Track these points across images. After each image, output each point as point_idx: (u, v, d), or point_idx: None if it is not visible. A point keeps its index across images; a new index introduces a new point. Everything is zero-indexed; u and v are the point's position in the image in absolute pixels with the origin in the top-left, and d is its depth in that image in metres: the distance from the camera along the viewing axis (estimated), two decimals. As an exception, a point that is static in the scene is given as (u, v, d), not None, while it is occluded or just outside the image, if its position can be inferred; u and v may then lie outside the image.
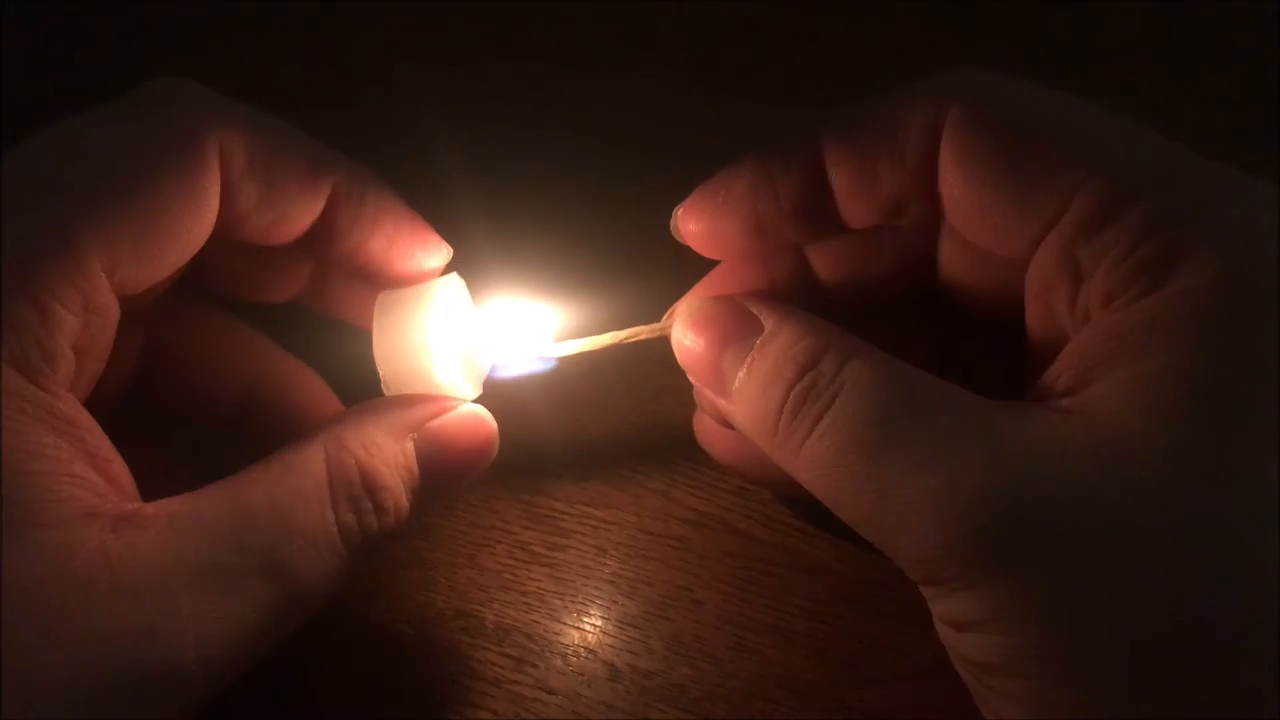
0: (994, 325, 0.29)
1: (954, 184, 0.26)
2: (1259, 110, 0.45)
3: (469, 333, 0.31)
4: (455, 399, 0.30)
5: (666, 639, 0.33)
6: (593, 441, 0.37)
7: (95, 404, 0.27)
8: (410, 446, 0.28)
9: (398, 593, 0.34)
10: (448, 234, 0.32)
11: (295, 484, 0.26)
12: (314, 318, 0.35)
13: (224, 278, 0.32)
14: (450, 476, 0.29)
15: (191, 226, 0.27)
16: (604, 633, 0.33)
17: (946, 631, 0.25)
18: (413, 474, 0.28)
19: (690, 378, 0.29)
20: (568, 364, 0.32)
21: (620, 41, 0.51)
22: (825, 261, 0.30)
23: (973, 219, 0.26)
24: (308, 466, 0.26)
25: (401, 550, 0.35)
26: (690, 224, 0.29)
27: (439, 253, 0.32)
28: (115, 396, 0.31)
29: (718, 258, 0.30)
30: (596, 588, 0.34)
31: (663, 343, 0.31)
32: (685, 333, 0.28)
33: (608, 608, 0.33)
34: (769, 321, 0.27)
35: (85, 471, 0.24)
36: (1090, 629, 0.21)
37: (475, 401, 0.30)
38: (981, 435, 0.23)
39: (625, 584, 0.34)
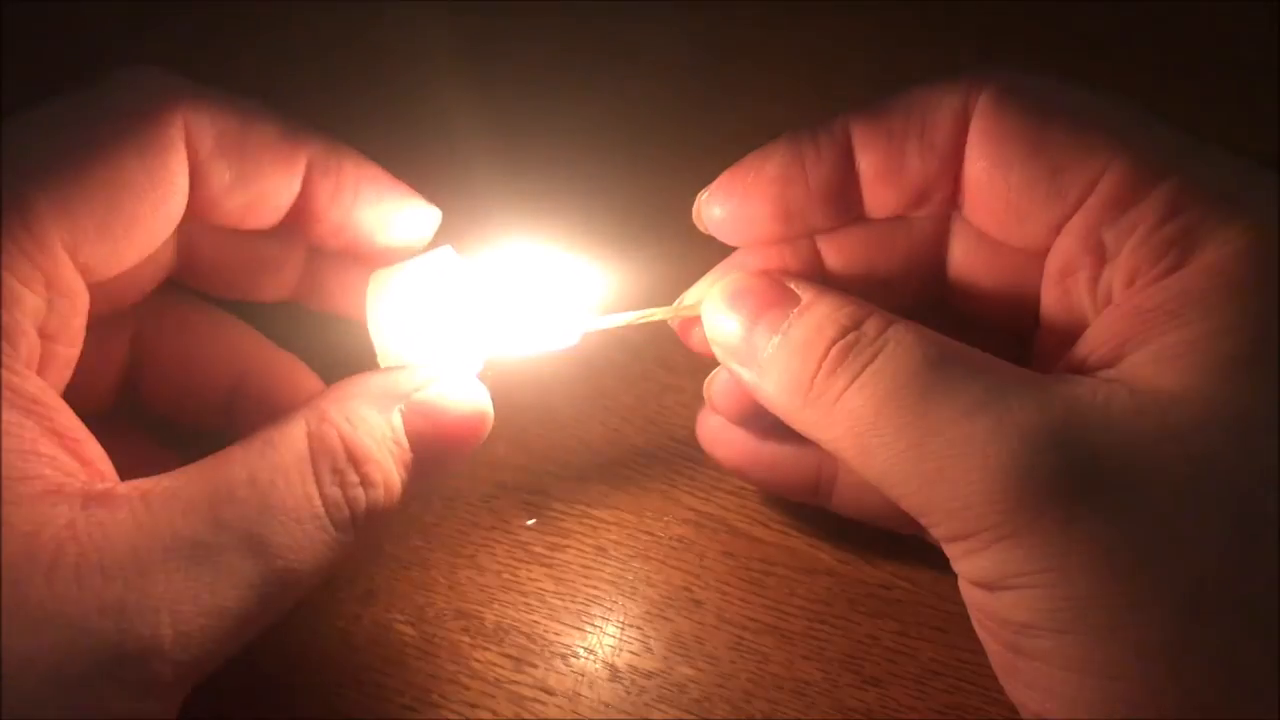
0: (999, 328, 0.30)
1: (981, 167, 0.26)
2: (1259, 110, 0.45)
3: (467, 305, 0.30)
4: (445, 370, 0.29)
5: (666, 639, 0.33)
6: (593, 441, 0.37)
7: (86, 407, 0.26)
8: (397, 419, 0.27)
9: (398, 593, 0.34)
10: (461, 200, 0.31)
11: (275, 459, 0.25)
12: (304, 312, 0.34)
13: (215, 277, 0.32)
14: (443, 449, 0.28)
15: (157, 207, 0.26)
16: (604, 633, 0.33)
17: (977, 594, 0.24)
18: (402, 447, 0.27)
19: (715, 350, 0.29)
20: (568, 364, 0.31)
21: (627, 32, 0.51)
22: (838, 256, 0.30)
23: (997, 205, 0.27)
24: (288, 441, 0.25)
25: (401, 550, 0.34)
26: (716, 206, 0.29)
27: (427, 217, 0.31)
28: (105, 398, 0.31)
29: (740, 244, 0.30)
30: (596, 588, 0.34)
31: (663, 342, 0.31)
32: (718, 307, 0.28)
33: (608, 608, 0.33)
34: (807, 294, 0.27)
35: (52, 450, 0.24)
36: (1140, 576, 0.21)
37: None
38: (1027, 389, 0.23)
39: (625, 584, 0.34)
